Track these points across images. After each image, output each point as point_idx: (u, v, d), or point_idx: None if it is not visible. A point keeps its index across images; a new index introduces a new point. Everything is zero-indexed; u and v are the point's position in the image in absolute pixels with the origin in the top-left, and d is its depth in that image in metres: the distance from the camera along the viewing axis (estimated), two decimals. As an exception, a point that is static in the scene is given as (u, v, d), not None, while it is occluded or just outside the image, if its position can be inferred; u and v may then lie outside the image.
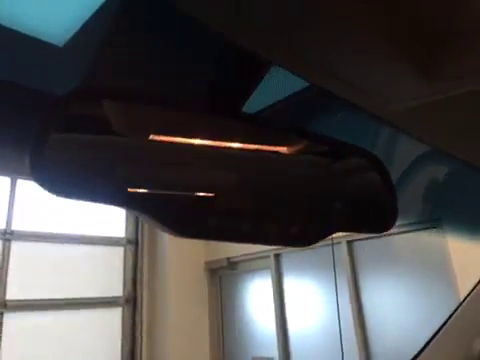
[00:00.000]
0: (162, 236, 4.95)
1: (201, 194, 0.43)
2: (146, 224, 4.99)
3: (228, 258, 4.82)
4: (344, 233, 3.67)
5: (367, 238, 3.99)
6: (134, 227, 5.03)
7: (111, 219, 4.93)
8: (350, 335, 3.78)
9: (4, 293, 3.95)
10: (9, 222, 4.19)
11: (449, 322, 1.15)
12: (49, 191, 0.37)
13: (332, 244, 3.52)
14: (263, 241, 0.47)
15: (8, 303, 3.94)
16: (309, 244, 0.46)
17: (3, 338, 3.83)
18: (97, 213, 4.78)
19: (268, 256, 4.64)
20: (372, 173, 0.49)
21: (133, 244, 4.98)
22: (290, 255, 4.58)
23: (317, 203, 0.45)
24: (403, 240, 3.85)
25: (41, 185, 0.37)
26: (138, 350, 4.51)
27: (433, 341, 1.12)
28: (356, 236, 3.98)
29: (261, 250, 4.60)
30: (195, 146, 0.44)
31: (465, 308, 1.16)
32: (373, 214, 0.49)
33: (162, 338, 4.54)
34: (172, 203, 0.41)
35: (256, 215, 0.45)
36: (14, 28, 1.92)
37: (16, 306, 3.99)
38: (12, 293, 3.98)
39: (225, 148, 0.46)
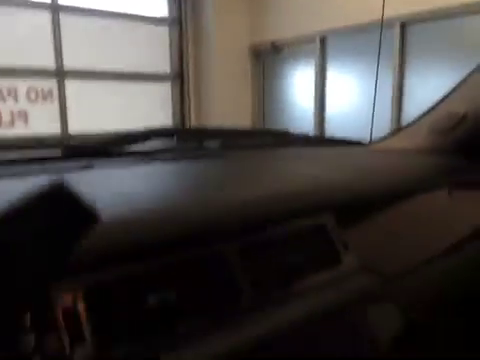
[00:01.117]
0: (207, 16, 4.84)
1: None
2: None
3: (272, 42, 4.75)
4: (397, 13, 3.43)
5: (422, 21, 3.73)
6: (178, 5, 4.90)
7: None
8: (386, 121, 3.91)
9: (62, 62, 4.24)
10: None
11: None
12: None
13: (381, 20, 3.34)
14: None
15: (67, 73, 4.28)
16: None
17: (68, 102, 4.31)
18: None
19: (313, 40, 4.52)
20: None
21: (177, 24, 4.94)
22: (336, 39, 4.44)
23: None
24: (462, 24, 3.58)
25: None
26: (187, 116, 5.02)
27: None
28: (410, 17, 3.73)
29: (307, 34, 4.46)
30: None
31: None
32: None
33: (207, 111, 4.94)
34: None
35: None
36: None
37: (74, 74, 4.33)
38: (68, 62, 4.27)
39: None
